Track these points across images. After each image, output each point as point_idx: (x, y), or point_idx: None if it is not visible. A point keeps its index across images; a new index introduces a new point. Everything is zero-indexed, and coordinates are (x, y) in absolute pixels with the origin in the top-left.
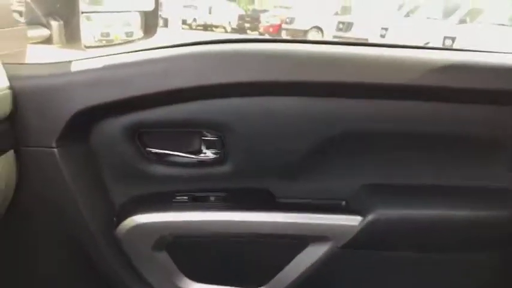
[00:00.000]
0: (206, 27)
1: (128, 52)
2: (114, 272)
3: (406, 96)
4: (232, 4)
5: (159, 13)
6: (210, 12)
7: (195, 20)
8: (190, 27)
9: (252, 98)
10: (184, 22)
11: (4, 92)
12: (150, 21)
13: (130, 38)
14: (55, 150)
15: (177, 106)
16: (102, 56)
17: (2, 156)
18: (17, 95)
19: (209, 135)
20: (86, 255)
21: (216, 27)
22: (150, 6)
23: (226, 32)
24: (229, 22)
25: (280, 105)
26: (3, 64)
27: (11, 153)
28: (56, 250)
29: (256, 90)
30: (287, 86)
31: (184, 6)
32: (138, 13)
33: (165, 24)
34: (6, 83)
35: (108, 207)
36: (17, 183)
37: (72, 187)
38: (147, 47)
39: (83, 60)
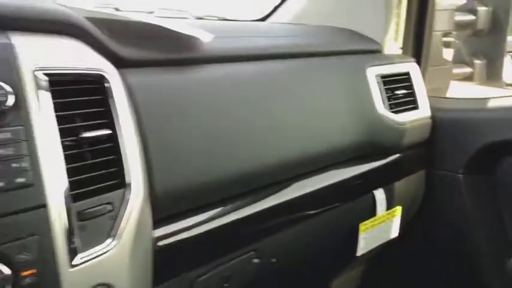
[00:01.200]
0: None
1: None
2: None
3: None
4: None
5: None
6: None
7: None
8: None
9: None
10: None
11: (426, 120)
12: None
13: None
14: (460, 176)
15: None
16: None
17: (415, 175)
18: (435, 124)
19: None
20: (472, 278)
21: None
22: None
23: None
24: None
25: None
26: (429, 97)
27: (422, 173)
28: (448, 269)
29: None
30: None
31: None
32: None
33: None
34: (429, 113)
35: (501, 239)
36: (422, 200)
37: (470, 213)
38: None
39: (498, 98)
